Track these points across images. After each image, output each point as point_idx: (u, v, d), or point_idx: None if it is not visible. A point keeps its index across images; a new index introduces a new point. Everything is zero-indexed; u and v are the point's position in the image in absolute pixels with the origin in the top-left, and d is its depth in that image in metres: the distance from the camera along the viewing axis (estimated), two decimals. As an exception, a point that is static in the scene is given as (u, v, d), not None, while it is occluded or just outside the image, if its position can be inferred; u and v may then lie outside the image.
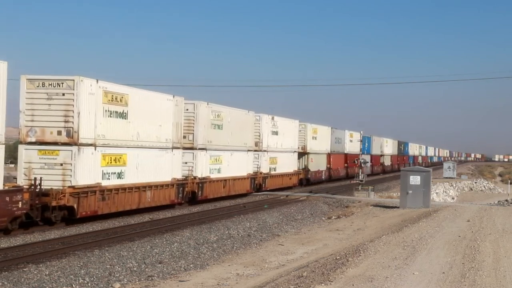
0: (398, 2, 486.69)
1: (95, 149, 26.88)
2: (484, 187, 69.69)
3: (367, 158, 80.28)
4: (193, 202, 36.53)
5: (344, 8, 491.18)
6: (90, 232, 24.86)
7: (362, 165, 59.18)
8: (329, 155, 65.97)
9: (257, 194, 45.74)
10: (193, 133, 36.43)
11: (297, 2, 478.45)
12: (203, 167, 37.03)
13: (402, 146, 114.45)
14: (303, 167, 58.02)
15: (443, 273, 15.97)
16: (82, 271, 17.64)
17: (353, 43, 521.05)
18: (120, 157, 28.82)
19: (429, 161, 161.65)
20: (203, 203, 37.45)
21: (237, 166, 41.81)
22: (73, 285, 16.28)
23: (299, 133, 56.56)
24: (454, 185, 67.19)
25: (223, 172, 39.70)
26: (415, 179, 33.96)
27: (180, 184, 34.37)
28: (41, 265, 18.13)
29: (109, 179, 27.88)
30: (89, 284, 16.43)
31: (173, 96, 33.42)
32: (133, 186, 29.68)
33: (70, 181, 25.48)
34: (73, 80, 25.92)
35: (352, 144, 74.98)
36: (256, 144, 45.88)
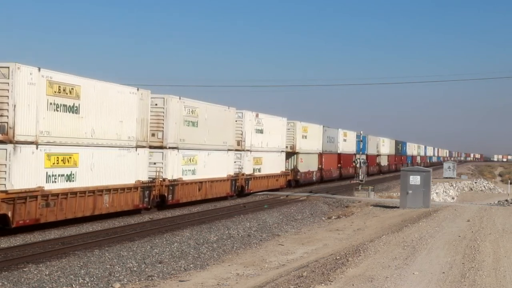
0: (398, 2, 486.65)
1: (37, 147, 23.57)
2: (484, 187, 69.67)
3: (362, 158, 77.85)
4: (162, 207, 33.18)
5: (344, 8, 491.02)
6: (90, 232, 24.85)
7: (362, 165, 58.48)
8: (320, 155, 62.65)
9: (242, 197, 42.83)
10: (162, 131, 33.11)
11: (297, 2, 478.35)
12: (175, 168, 33.75)
13: (399, 146, 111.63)
14: (292, 167, 54.97)
15: (443, 273, 15.97)
16: (82, 271, 17.64)
17: (353, 43, 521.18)
18: (70, 157, 25.45)
19: (428, 161, 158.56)
20: (175, 207, 34.12)
21: (215, 167, 38.51)
22: (73, 285, 16.28)
23: (287, 132, 53.44)
24: (454, 185, 67.17)
25: (199, 173, 36.45)
26: (415, 179, 33.95)
27: (145, 187, 30.79)
28: (41, 265, 18.12)
29: (55, 182, 24.51)
30: (89, 284, 16.43)
31: (138, 89, 30.25)
32: (86, 190, 26.15)
33: (5, 184, 22.10)
34: (8, 67, 22.49)
35: (346, 143, 72.53)
36: (238, 143, 42.82)
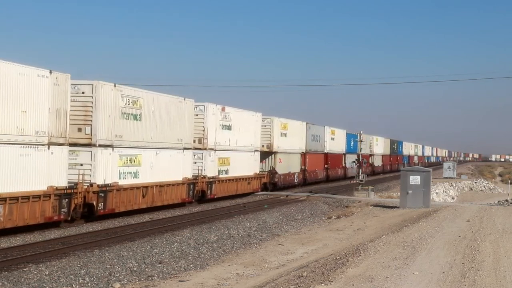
0: (398, 2, 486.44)
1: None
2: (484, 187, 69.66)
3: (353, 158, 73.30)
4: (90, 218, 27.47)
5: (344, 8, 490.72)
6: (90, 232, 24.85)
7: (363, 164, 58.18)
8: (303, 155, 56.89)
9: (203, 203, 37.44)
10: (91, 125, 27.26)
11: (297, 2, 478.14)
12: (108, 170, 27.97)
13: (395, 145, 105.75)
14: (269, 169, 49.23)
15: (443, 273, 15.97)
16: (82, 271, 17.64)
17: (353, 43, 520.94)
18: None
19: (426, 161, 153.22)
20: (108, 218, 28.41)
21: (166, 168, 32.71)
22: (73, 285, 16.29)
23: (263, 129, 47.62)
24: (454, 185, 67.17)
25: (143, 176, 30.61)
26: (415, 179, 33.96)
27: (64, 195, 24.76)
28: (41, 265, 18.13)
29: None
30: (89, 284, 16.43)
31: (50, 72, 24.19)
32: None
33: None
34: None
35: (334, 142, 67.37)
36: (200, 141, 37.42)
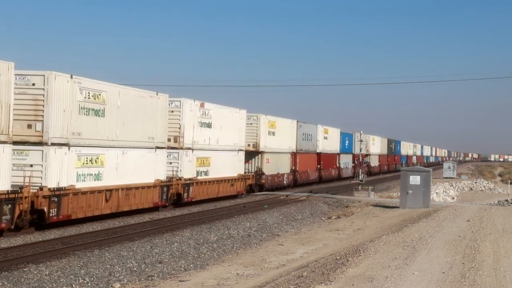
0: (398, 2, 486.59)
1: None
2: (484, 187, 69.67)
3: (348, 158, 72.33)
4: (41, 227, 24.46)
5: (344, 8, 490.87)
6: (90, 232, 24.84)
7: (363, 165, 58.04)
8: (294, 154, 53.97)
9: (180, 207, 34.61)
10: (42, 121, 24.30)
11: (297, 2, 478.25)
12: (63, 171, 24.90)
13: (392, 145, 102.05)
14: (255, 170, 46.30)
15: (443, 273, 15.98)
16: (82, 271, 17.64)
17: (353, 43, 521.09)
18: None
19: (425, 161, 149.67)
20: (64, 226, 25.47)
21: (135, 169, 29.70)
22: (73, 285, 16.29)
23: (248, 127, 44.63)
24: (454, 185, 67.17)
25: (107, 178, 27.49)
26: (415, 179, 33.97)
27: (5, 200, 21.71)
28: (41, 265, 18.13)
29: None
30: (89, 284, 16.43)
31: None
32: None
33: None
34: None
35: (327, 141, 64.41)
36: (175, 139, 34.61)
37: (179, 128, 34.98)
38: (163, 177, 32.37)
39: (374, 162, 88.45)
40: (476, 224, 26.34)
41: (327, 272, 16.05)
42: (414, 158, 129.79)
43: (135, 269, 18.34)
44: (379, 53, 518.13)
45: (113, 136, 28.26)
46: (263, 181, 46.67)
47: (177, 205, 34.67)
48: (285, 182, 51.52)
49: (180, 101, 34.98)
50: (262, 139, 46.90)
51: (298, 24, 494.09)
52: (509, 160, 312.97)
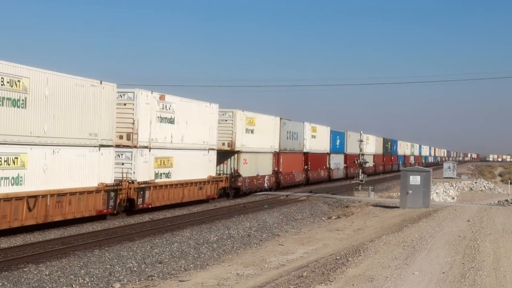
0: (398, 2, 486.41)
1: None
2: (484, 187, 69.64)
3: (339, 158, 69.00)
4: None
5: (344, 8, 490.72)
6: (90, 232, 24.85)
7: (363, 165, 57.36)
8: (277, 155, 49.48)
9: (133, 215, 30.36)
10: None
11: (297, 2, 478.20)
12: None
13: (388, 145, 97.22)
14: (231, 171, 41.89)
15: (443, 273, 15.98)
16: (82, 271, 17.65)
17: (353, 43, 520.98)
18: None
19: (424, 161, 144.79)
20: None
21: (69, 171, 25.24)
22: (73, 285, 16.30)
23: (222, 124, 40.83)
24: (454, 185, 67.15)
25: (30, 182, 23.19)
26: (415, 179, 33.98)
27: None
28: (41, 265, 18.14)
29: None
30: (89, 284, 16.45)
31: None
32: None
33: None
34: None
35: (315, 140, 60.10)
36: (128, 136, 30.17)
37: (133, 123, 30.29)
38: (109, 180, 27.77)
39: (369, 163, 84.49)
40: (476, 224, 26.34)
41: (327, 272, 16.05)
42: (412, 158, 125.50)
43: (135, 269, 18.35)
44: (378, 53, 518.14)
45: (39, 132, 23.73)
46: (239, 183, 41.93)
47: (130, 213, 30.37)
48: (266, 184, 47.15)
49: (133, 93, 30.54)
50: (238, 137, 42.10)
51: (297, 24, 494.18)
52: (507, 160, 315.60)
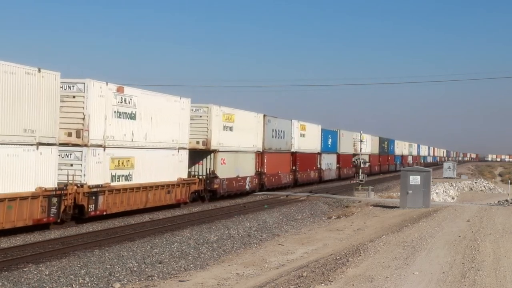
0: (398, 2, 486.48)
1: None
2: (484, 187, 69.67)
3: (332, 158, 66.10)
4: None
5: (344, 8, 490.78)
6: (90, 232, 24.85)
7: (362, 165, 57.25)
8: (260, 154, 45.97)
9: (82, 223, 26.57)
10: None
11: (297, 2, 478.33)
12: None
13: (385, 144, 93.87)
14: (206, 172, 38.36)
15: (443, 273, 15.98)
16: (82, 271, 17.66)
17: (353, 43, 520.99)
18: None
19: (422, 161, 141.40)
20: None
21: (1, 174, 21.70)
22: (73, 285, 16.30)
23: (196, 120, 37.52)
24: (454, 185, 67.18)
25: None
26: (415, 179, 33.99)
27: None
28: (41, 265, 18.14)
29: None
30: (89, 284, 16.45)
31: None
32: None
33: None
34: None
35: (304, 139, 56.68)
36: (78, 133, 26.46)
37: (83, 118, 26.54)
38: (51, 184, 24.05)
39: (364, 163, 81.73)
40: (476, 224, 26.35)
41: (327, 272, 16.06)
42: (410, 158, 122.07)
43: (135, 269, 18.36)
44: (378, 53, 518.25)
45: None
46: (215, 186, 38.40)
47: (81, 221, 26.63)
48: (247, 186, 43.65)
49: (84, 83, 26.68)
50: (214, 135, 38.50)
51: (297, 24, 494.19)
52: (506, 160, 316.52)
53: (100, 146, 27.43)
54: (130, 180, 29.41)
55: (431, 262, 17.35)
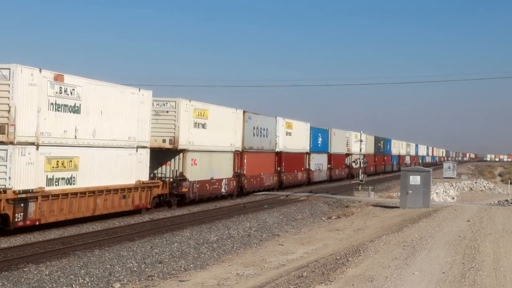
0: (397, 2, 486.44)
1: None
2: (484, 187, 69.72)
3: (322, 158, 62.38)
4: None
5: (344, 8, 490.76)
6: (90, 232, 24.86)
7: (362, 165, 57.03)
8: (239, 154, 42.01)
9: (9, 236, 22.54)
10: None
11: (297, 2, 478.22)
12: None
13: (381, 144, 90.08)
14: (174, 174, 34.16)
15: (443, 273, 15.99)
16: (82, 271, 17.66)
17: (353, 43, 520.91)
18: None
19: (421, 161, 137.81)
20: None
21: None
22: (73, 285, 16.30)
23: (161, 116, 33.71)
24: (454, 185, 67.22)
25: None
26: (415, 179, 34.00)
27: None
28: (41, 265, 18.14)
29: None
30: (89, 284, 16.45)
31: None
32: None
33: None
34: None
35: (291, 138, 52.78)
36: (2, 129, 22.21)
37: (8, 111, 22.30)
38: None
39: (358, 163, 78.04)
40: (476, 224, 26.35)
41: (327, 272, 16.06)
42: (408, 158, 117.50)
43: (135, 269, 18.36)
44: (378, 53, 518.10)
45: None
46: (184, 189, 34.14)
47: (7, 233, 22.54)
48: (223, 190, 39.60)
49: (9, 69, 22.34)
50: (183, 132, 34.31)
51: (297, 24, 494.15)
52: (505, 160, 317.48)
53: (31, 144, 23.03)
54: (73, 184, 25.21)
55: (431, 262, 17.35)
